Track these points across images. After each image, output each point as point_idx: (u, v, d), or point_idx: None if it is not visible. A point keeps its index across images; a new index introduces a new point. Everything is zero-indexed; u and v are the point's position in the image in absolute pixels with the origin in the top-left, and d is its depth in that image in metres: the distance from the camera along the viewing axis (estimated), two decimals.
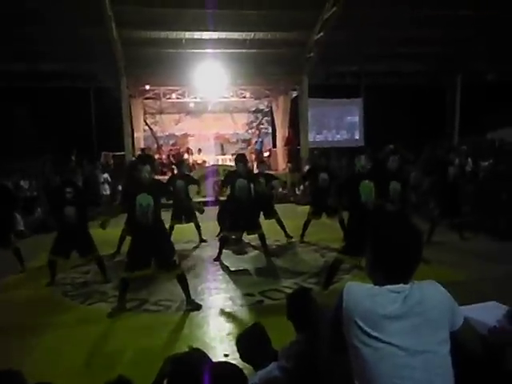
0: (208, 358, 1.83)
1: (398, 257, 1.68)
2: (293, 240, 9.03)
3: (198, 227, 9.17)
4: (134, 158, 15.34)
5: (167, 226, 7.42)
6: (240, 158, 7.72)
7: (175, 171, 17.83)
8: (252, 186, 7.48)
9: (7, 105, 17.64)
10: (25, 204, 11.75)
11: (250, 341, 2.79)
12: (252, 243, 8.78)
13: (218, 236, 8.91)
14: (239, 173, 7.45)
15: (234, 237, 8.01)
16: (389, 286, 1.66)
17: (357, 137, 20.94)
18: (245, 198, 7.37)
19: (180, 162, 10.19)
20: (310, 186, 9.77)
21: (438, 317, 1.64)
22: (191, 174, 16.55)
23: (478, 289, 5.28)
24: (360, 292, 1.68)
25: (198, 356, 1.88)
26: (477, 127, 16.94)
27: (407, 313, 1.61)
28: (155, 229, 5.32)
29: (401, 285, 1.66)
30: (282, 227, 9.07)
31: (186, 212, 8.78)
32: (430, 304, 1.64)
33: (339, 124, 21.00)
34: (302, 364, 2.44)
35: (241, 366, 2.08)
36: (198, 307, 5.50)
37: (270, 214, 8.99)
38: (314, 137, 19.58)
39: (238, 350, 2.83)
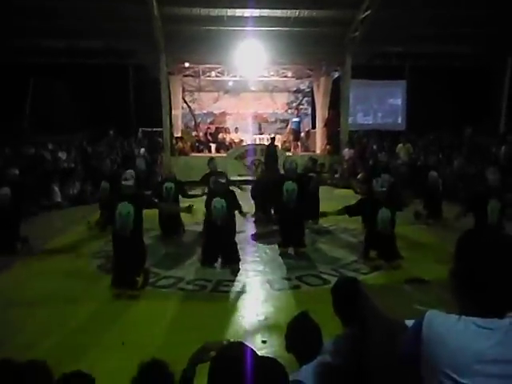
0: (254, 352, 1.68)
1: (493, 285, 1.33)
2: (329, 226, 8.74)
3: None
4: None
5: None
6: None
7: (212, 149, 17.92)
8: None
9: (47, 81, 17.86)
10: (62, 176, 11.88)
11: (301, 332, 2.61)
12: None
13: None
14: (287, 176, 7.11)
15: None
16: (480, 321, 1.32)
17: (399, 120, 20.34)
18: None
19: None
20: None
21: None
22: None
23: None
24: (445, 327, 1.35)
25: (243, 349, 1.74)
26: None
27: (506, 356, 1.28)
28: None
29: (495, 319, 1.32)
30: None
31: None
32: None
33: (381, 107, 20.39)
34: (350, 362, 2.27)
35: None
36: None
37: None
38: (354, 119, 19.10)
39: (287, 340, 2.65)
